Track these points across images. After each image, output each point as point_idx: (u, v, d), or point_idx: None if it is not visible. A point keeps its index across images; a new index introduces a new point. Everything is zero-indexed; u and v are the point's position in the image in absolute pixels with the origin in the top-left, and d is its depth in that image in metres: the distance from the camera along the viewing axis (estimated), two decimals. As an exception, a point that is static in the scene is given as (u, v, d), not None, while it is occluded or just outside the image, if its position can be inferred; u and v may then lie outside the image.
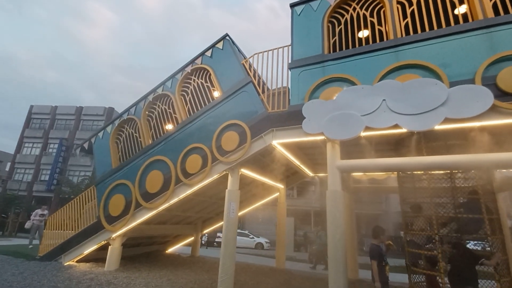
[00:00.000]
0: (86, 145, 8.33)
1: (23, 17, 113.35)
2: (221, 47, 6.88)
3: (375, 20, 5.44)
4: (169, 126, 7.21)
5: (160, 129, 7.49)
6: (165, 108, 7.43)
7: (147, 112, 7.68)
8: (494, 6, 4.62)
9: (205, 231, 10.71)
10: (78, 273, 6.37)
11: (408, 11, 5.13)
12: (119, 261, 6.93)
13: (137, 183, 6.82)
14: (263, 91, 6.63)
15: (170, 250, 10.70)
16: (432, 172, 5.00)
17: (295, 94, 5.60)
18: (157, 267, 7.61)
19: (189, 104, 7.08)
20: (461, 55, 4.44)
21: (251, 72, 6.39)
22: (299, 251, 19.78)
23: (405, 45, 4.89)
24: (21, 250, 9.23)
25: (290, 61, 5.90)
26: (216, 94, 7.15)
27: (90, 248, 7.07)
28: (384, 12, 5.42)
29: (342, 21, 5.76)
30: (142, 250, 9.54)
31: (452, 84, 4.30)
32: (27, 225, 10.06)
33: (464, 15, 4.91)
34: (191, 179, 6.16)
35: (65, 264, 7.18)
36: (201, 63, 7.07)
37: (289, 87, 6.02)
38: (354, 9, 5.69)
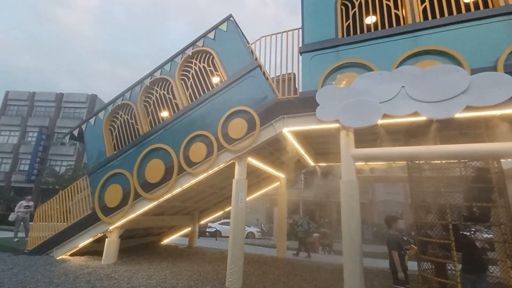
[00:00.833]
0: (76, 132, 7.77)
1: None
2: (224, 29, 6.47)
3: (391, 4, 5.23)
4: (168, 113, 6.80)
5: (159, 116, 7.07)
6: (163, 93, 6.99)
7: (144, 97, 7.20)
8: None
9: (202, 222, 10.48)
10: (74, 267, 6.01)
11: (426, -5, 4.95)
12: (117, 254, 6.60)
13: (136, 172, 6.44)
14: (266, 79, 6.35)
15: (166, 241, 10.43)
16: (445, 161, 4.97)
17: (306, 79, 5.36)
18: (157, 259, 7.35)
19: (190, 89, 6.69)
20: (483, 42, 4.34)
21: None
22: (290, 239, 20.09)
23: (424, 30, 4.74)
24: (6, 243, 8.66)
25: (300, 45, 5.62)
26: (215, 80, 6.79)
27: (85, 241, 6.69)
28: (400, -5, 5.22)
29: (356, 3, 5.51)
30: (137, 242, 9.22)
31: (473, 71, 4.20)
32: (11, 217, 9.43)
33: (485, 1, 4.78)
34: (195, 168, 5.87)
35: (58, 258, 6.77)
36: (202, 46, 6.65)
37: (295, 73, 5.80)
38: (369, -9, 5.45)
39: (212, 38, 6.57)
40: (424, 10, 4.99)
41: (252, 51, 6.20)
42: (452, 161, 4.98)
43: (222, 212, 10.15)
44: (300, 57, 5.54)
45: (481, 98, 4.03)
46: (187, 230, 10.11)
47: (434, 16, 4.86)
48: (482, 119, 4.55)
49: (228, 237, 17.04)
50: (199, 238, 17.73)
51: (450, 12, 4.85)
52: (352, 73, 4.96)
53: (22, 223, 9.58)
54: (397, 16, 5.25)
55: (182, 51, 6.86)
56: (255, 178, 8.59)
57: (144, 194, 6.19)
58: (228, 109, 5.83)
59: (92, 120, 7.60)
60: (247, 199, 9.67)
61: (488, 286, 4.68)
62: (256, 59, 5.98)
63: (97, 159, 7.18)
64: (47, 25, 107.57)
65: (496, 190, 4.51)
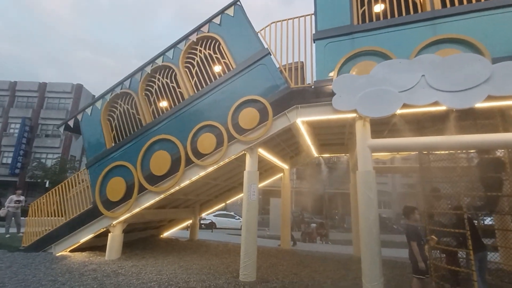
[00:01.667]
0: (71, 123, 7.34)
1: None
2: (231, 14, 6.17)
3: (408, -10, 5.09)
4: (173, 102, 6.48)
5: (163, 105, 6.74)
6: (166, 82, 6.66)
7: (145, 86, 6.84)
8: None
9: (202, 214, 10.32)
10: (77, 264, 5.75)
11: (445, -19, 4.83)
12: (121, 249, 6.37)
13: (139, 164, 6.16)
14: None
15: (165, 234, 10.23)
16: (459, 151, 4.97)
17: (321, 68, 5.19)
18: (161, 253, 7.17)
19: (195, 78, 6.39)
20: (504, 30, 4.29)
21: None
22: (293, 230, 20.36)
23: (443, 18, 4.64)
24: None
25: (314, 32, 5.42)
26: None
27: (86, 236, 6.40)
28: (417, -19, 5.09)
29: (372, -11, 5.34)
30: (137, 236, 8.98)
31: (494, 61, 4.15)
32: (2, 212, 8.94)
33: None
34: (204, 159, 5.66)
35: (57, 254, 6.47)
36: (208, 32, 6.33)
37: (303, 62, 5.62)
38: (385, -24, 5.29)
39: (218, 23, 6.26)
40: (443, -3, 4.88)
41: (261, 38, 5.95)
42: (465, 151, 5.02)
43: (223, 204, 10.00)
44: (309, 46, 5.35)
45: (503, 88, 3.99)
46: (187, 223, 9.94)
47: (452, 4, 4.76)
48: (496, 109, 4.56)
49: (223, 228, 17.07)
50: (188, 230, 17.66)
51: (469, 0, 4.76)
52: (369, 62, 4.83)
53: (13, 218, 9.13)
54: (414, 3, 5.12)
55: (186, 37, 6.51)
56: (259, 169, 8.44)
57: (149, 187, 5.94)
58: (238, 99, 5.61)
59: (88, 110, 7.18)
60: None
61: (489, 271, 4.89)
62: (266, 46, 5.73)
63: (96, 151, 6.82)
64: (26, 10, 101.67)
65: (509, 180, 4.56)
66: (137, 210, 6.06)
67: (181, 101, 6.35)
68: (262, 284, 4.82)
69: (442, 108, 4.34)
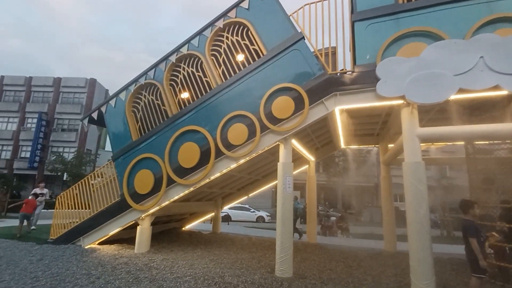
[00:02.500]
0: (95, 115, 7.23)
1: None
2: (261, -3, 5.83)
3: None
4: (199, 92, 6.25)
5: (188, 95, 6.52)
6: (192, 71, 6.41)
7: (170, 76, 6.63)
8: None
9: (224, 207, 10.19)
10: (107, 257, 5.68)
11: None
12: (149, 242, 6.28)
13: (167, 157, 5.99)
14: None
15: (187, 227, 10.17)
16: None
17: (362, 51, 4.84)
18: (188, 246, 7.07)
19: (223, 66, 6.12)
20: None
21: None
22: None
23: (502, -6, 4.19)
24: (22, 232, 8.31)
25: (353, 13, 5.05)
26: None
27: (115, 229, 6.34)
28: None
29: (417, -36, 4.89)
30: (160, 229, 8.93)
31: None
32: (26, 205, 9.00)
33: None
34: (235, 151, 5.43)
35: (86, 247, 6.44)
36: (235, 17, 6.02)
37: (336, 47, 5.26)
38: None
39: (246, 7, 5.93)
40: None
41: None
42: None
43: (246, 197, 9.83)
44: (346, 29, 4.97)
45: None
46: (209, 216, 9.84)
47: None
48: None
49: (238, 221, 17.10)
50: (211, 223, 17.71)
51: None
52: (418, 43, 4.45)
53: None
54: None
55: (212, 23, 6.22)
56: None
57: (178, 180, 5.78)
58: (270, 87, 5.32)
59: (112, 102, 7.04)
60: (273, 183, 9.37)
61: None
62: (299, 30, 5.40)
63: (121, 143, 6.69)
64: (35, 6, 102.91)
65: None
66: (166, 203, 5.93)
67: (208, 90, 6.11)
68: (300, 281, 4.62)
69: (503, 93, 3.95)
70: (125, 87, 6.95)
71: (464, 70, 4.02)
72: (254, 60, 5.81)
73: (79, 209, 6.99)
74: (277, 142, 5.22)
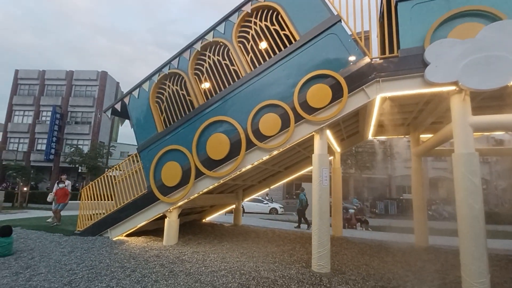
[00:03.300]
0: (118, 106, 7.10)
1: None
2: (292, -21, 5.48)
3: None
4: (226, 81, 6.01)
5: (215, 85, 6.30)
6: (218, 59, 6.17)
7: (195, 65, 6.40)
8: None
9: (245, 200, 10.08)
10: (137, 249, 5.63)
11: None
12: (178, 235, 6.21)
13: (195, 148, 5.83)
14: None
15: (208, 219, 10.13)
16: None
17: (407, 34, 4.49)
18: (213, 238, 6.99)
19: (251, 53, 5.85)
20: None
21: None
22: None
23: None
24: (50, 224, 8.41)
25: (396, -7, 4.67)
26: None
27: (143, 221, 6.28)
28: None
29: None
30: (181, 221, 8.86)
31: None
32: (49, 198, 9.09)
33: None
34: (267, 142, 5.22)
35: (114, 239, 6.42)
36: (264, 0, 5.71)
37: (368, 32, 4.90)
38: None
39: (276, -10, 5.60)
40: None
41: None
42: None
43: (267, 189, 9.67)
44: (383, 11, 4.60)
45: None
46: (230, 207, 9.75)
47: None
48: None
49: (251, 213, 17.10)
50: (225, 215, 17.70)
51: None
52: (472, 24, 4.08)
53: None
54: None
55: (239, 8, 5.92)
56: (309, 153, 7.95)
57: (207, 172, 5.62)
58: (304, 74, 5.05)
59: (135, 93, 6.88)
60: (295, 175, 9.16)
61: None
62: (336, 13, 5.06)
63: (146, 135, 6.56)
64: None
65: None
66: (194, 195, 5.80)
67: (236, 79, 5.87)
68: (339, 276, 4.44)
69: None
70: (149, 77, 6.77)
71: (528, 52, 3.66)
72: (285, 46, 5.52)
73: (104, 200, 6.97)
74: (312, 133, 4.98)
